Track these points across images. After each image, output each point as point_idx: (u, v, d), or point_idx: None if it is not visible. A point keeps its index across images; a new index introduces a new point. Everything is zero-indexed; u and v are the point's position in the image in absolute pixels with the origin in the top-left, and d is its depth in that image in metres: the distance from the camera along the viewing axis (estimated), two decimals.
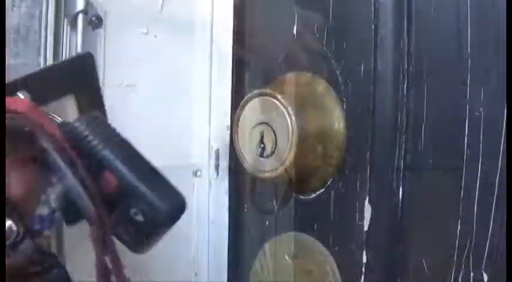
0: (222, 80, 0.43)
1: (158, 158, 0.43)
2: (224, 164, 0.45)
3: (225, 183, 0.45)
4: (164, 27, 0.40)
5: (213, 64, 0.43)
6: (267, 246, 0.41)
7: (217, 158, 0.45)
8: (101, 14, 0.38)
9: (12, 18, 0.35)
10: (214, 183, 0.45)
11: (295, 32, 0.40)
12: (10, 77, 0.36)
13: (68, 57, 0.36)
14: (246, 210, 0.45)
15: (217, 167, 0.45)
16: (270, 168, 0.36)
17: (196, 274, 0.44)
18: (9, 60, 0.36)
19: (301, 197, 0.40)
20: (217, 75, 0.43)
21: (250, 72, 0.44)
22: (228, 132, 0.45)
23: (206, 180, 0.45)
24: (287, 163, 0.35)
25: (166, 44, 0.40)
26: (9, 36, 0.35)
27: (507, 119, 0.30)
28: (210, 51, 0.43)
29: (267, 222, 0.43)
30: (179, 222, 0.44)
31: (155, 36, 0.40)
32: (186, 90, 0.44)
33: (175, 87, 0.43)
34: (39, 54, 0.35)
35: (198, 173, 0.45)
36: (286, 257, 0.40)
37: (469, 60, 0.32)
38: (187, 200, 0.46)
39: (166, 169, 0.44)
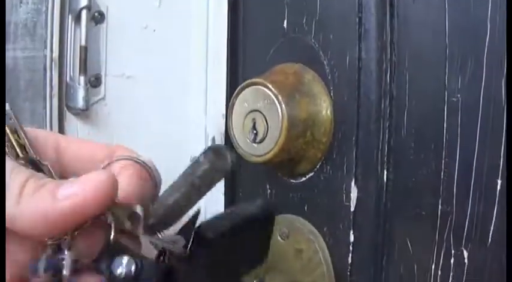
0: (217, 71, 0.45)
1: (157, 145, 0.46)
2: None
3: None
4: (162, 21, 0.42)
5: (208, 56, 0.44)
6: None
7: None
8: (103, 9, 0.40)
9: (20, 14, 0.37)
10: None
11: (285, 25, 0.42)
12: (18, 68, 0.39)
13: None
14: (240, 194, 0.47)
15: None
16: (262, 152, 0.38)
17: None
18: (16, 53, 0.38)
19: (292, 180, 0.42)
20: (213, 67, 0.45)
21: (243, 63, 0.45)
22: (223, 120, 0.46)
23: None
24: (278, 148, 0.37)
25: (164, 38, 0.42)
26: (17, 30, 0.37)
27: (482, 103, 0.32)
28: (206, 44, 0.44)
29: None
30: None
31: (154, 30, 0.42)
32: (183, 81, 0.45)
33: (174, 78, 0.45)
34: (45, 47, 0.37)
35: None
36: (279, 237, 0.41)
37: (447, 49, 0.34)
38: None
39: (165, 156, 0.46)
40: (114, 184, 0.23)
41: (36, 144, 0.26)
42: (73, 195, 0.22)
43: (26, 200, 0.21)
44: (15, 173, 0.22)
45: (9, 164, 0.23)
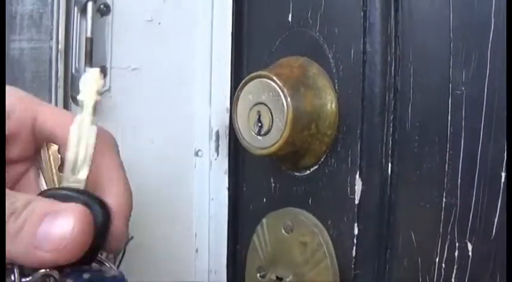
0: (222, 65, 0.45)
1: (161, 137, 0.46)
2: (224, 145, 0.47)
3: (225, 163, 0.47)
4: (167, 15, 0.42)
5: (213, 49, 0.45)
6: (264, 221, 0.43)
7: (218, 139, 0.47)
8: (108, 2, 0.40)
9: (26, 5, 0.37)
10: (215, 163, 0.47)
11: (290, 19, 0.42)
12: (24, 59, 0.39)
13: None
14: (244, 189, 0.47)
15: (217, 148, 0.47)
16: (267, 145, 0.38)
17: (197, 249, 0.46)
18: (22, 44, 0.38)
19: (296, 173, 0.42)
20: (218, 60, 0.45)
21: (248, 57, 0.45)
22: (228, 114, 0.46)
23: (207, 160, 0.46)
24: (283, 140, 0.37)
25: (169, 31, 0.42)
26: (23, 22, 0.37)
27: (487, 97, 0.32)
28: (211, 38, 0.44)
29: (264, 199, 0.45)
30: (180, 200, 0.46)
31: (159, 23, 0.42)
32: (188, 74, 0.45)
33: (178, 71, 0.45)
34: (51, 39, 0.37)
35: (199, 153, 0.47)
36: (283, 230, 0.42)
37: (452, 43, 0.34)
38: (189, 178, 0.48)
39: (168, 148, 0.47)
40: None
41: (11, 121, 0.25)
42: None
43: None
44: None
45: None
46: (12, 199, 0.22)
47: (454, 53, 0.34)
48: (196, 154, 0.47)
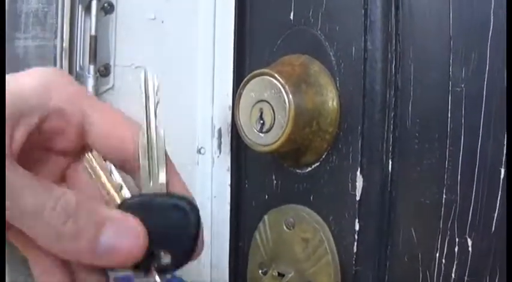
0: (224, 63, 0.45)
1: (164, 135, 0.46)
2: (226, 142, 0.47)
3: (227, 161, 0.47)
4: (170, 13, 0.43)
5: (216, 48, 0.45)
6: (266, 218, 0.43)
7: (220, 136, 0.47)
8: (112, 1, 0.41)
9: (31, 4, 0.38)
10: (217, 160, 0.47)
11: (292, 17, 0.42)
12: (29, 57, 0.39)
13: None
14: (246, 186, 0.47)
15: (219, 145, 0.47)
16: (269, 142, 0.38)
17: None
18: (27, 42, 0.39)
19: (298, 170, 0.42)
20: (220, 58, 0.45)
21: (250, 55, 0.46)
22: (230, 112, 0.46)
23: (209, 157, 0.47)
24: (285, 137, 0.37)
25: (172, 29, 0.42)
26: (29, 20, 0.38)
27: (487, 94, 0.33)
28: (213, 36, 0.45)
29: (266, 196, 0.45)
30: None
31: (162, 22, 0.42)
32: (190, 72, 0.46)
33: (181, 69, 0.45)
34: (55, 37, 0.38)
35: (202, 151, 0.47)
36: (284, 227, 0.42)
37: (451, 41, 0.34)
38: (191, 175, 0.49)
39: (171, 146, 0.47)
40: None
41: (58, 120, 0.24)
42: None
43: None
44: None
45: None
46: (66, 196, 0.22)
47: (454, 50, 0.34)
48: (199, 151, 0.47)
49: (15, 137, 0.22)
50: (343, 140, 0.39)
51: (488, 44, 0.33)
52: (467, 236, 0.34)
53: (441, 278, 0.35)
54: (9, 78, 0.23)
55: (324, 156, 0.40)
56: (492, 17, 0.32)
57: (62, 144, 0.25)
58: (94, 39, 0.39)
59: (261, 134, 0.39)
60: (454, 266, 0.34)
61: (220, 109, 0.47)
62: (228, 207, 0.47)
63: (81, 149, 0.26)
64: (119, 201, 0.24)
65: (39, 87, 0.23)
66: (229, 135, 0.47)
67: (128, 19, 0.41)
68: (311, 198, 0.41)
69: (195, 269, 0.46)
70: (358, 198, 0.39)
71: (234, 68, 0.46)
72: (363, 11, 0.38)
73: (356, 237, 0.39)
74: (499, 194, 0.33)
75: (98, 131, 0.25)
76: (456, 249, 0.34)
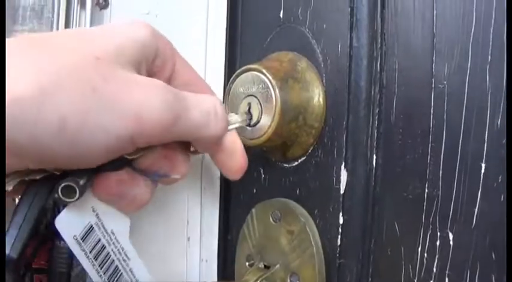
0: (216, 59, 0.46)
1: None
2: None
3: None
4: (164, 8, 0.44)
5: (208, 44, 0.46)
6: (253, 211, 0.44)
7: None
8: None
9: None
10: (207, 155, 0.48)
11: (281, 15, 0.43)
12: None
13: None
14: None
15: None
16: (256, 136, 0.39)
17: (189, 238, 0.47)
18: (24, 35, 0.40)
19: (285, 165, 0.43)
20: (212, 54, 0.46)
21: (241, 51, 0.47)
22: None
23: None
24: (271, 130, 0.38)
25: (166, 23, 0.43)
26: (26, 13, 0.39)
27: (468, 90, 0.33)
28: (206, 31, 0.46)
29: (254, 190, 0.46)
30: (173, 190, 0.47)
31: (156, 16, 0.43)
32: None
33: None
34: (51, 30, 0.39)
35: None
36: (271, 220, 0.43)
37: (435, 39, 0.35)
38: None
39: None
40: None
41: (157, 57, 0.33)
42: None
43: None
44: None
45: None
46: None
47: (437, 48, 0.35)
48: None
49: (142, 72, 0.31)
50: (328, 135, 0.40)
51: (471, 41, 0.33)
52: (448, 230, 0.34)
53: (423, 271, 0.35)
54: (110, 27, 0.32)
55: (310, 151, 0.41)
56: (474, 14, 0.33)
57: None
58: None
59: (248, 127, 0.40)
60: (436, 260, 0.35)
61: None
62: (218, 200, 0.48)
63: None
64: None
65: (150, 36, 0.32)
66: None
67: (122, 14, 0.42)
68: (297, 192, 0.42)
69: (184, 261, 0.47)
70: (342, 192, 0.39)
71: (225, 64, 0.47)
72: (349, 9, 0.39)
73: (340, 230, 0.39)
74: (480, 189, 0.33)
75: (179, 78, 0.35)
76: (438, 243, 0.35)
